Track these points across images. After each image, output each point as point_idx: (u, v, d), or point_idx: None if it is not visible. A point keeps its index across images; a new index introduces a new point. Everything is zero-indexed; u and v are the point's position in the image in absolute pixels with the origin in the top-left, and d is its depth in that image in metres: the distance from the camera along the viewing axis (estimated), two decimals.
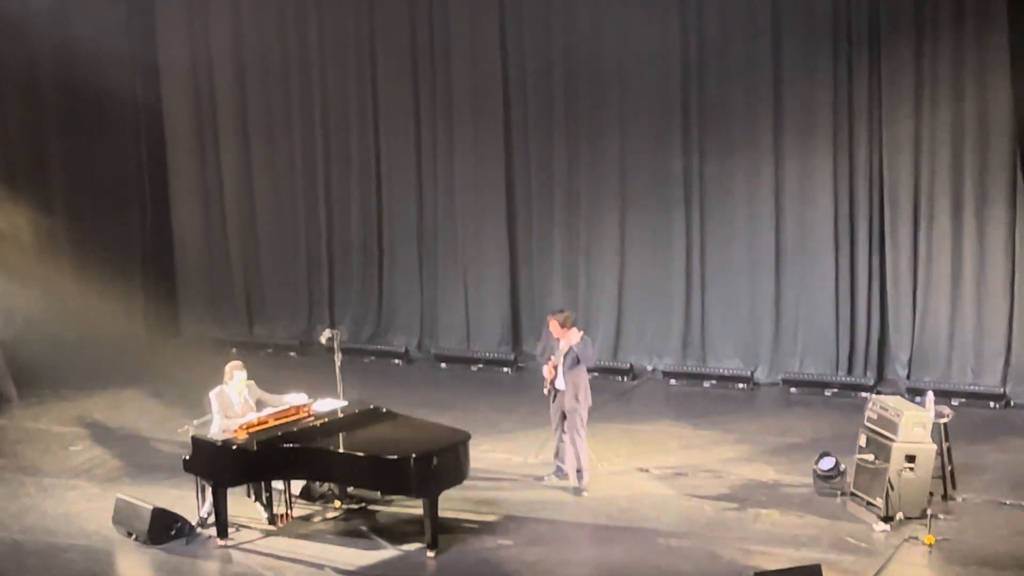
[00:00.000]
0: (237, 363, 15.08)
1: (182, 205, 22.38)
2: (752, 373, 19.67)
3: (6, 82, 20.33)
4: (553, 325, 15.63)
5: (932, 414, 14.91)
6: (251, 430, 14.34)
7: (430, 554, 13.93)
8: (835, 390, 19.19)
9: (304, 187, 21.74)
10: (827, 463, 15.43)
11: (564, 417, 15.61)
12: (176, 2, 21.79)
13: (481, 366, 20.79)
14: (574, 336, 15.42)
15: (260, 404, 14.95)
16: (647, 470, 16.29)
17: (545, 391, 15.77)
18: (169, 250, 22.43)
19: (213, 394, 14.82)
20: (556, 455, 15.94)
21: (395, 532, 14.59)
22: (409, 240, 21.39)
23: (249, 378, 14.98)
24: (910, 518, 14.49)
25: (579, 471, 15.61)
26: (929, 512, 14.36)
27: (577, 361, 15.44)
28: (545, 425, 17.60)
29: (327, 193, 21.68)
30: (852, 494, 15.12)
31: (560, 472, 15.84)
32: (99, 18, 20.46)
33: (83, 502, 15.57)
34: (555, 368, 15.53)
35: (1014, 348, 18.60)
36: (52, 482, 16.21)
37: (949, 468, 15.28)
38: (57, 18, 20.29)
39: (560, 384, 15.55)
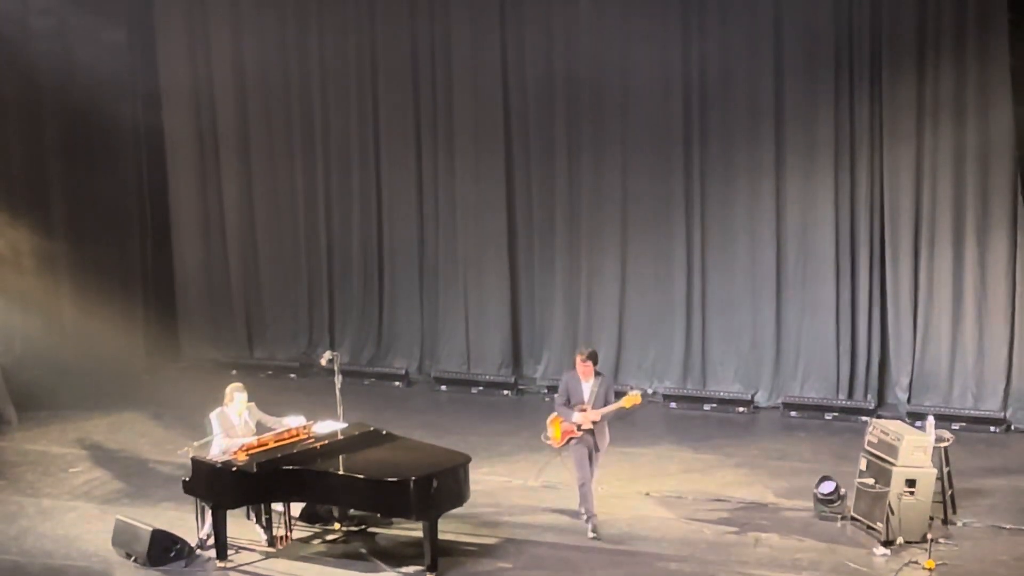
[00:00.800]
0: (237, 385, 15.08)
1: (183, 228, 22.36)
2: (752, 397, 19.65)
3: (7, 106, 20.34)
4: (585, 367, 14.93)
5: (933, 438, 14.90)
6: (251, 452, 14.33)
7: None
8: (835, 414, 19.16)
9: (305, 209, 21.73)
10: (827, 487, 15.39)
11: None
12: (177, 26, 21.80)
13: (481, 389, 20.76)
14: (596, 380, 14.95)
15: (260, 426, 14.95)
16: (647, 493, 16.27)
17: (556, 443, 15.13)
18: (170, 273, 22.41)
19: (214, 415, 14.84)
20: (584, 504, 15.09)
21: (395, 555, 14.55)
22: (410, 263, 21.38)
23: (249, 400, 14.99)
24: (910, 542, 14.46)
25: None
26: (929, 537, 14.33)
27: (606, 400, 14.93)
28: (545, 449, 17.57)
29: (328, 215, 21.67)
30: (852, 518, 15.09)
31: (594, 518, 15.14)
32: (100, 42, 20.48)
33: (82, 524, 15.53)
34: (586, 413, 14.81)
35: (1015, 372, 18.58)
36: (51, 504, 16.17)
37: (950, 492, 15.25)
38: (58, 42, 20.33)
39: (591, 423, 14.86)
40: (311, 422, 15.04)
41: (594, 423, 14.81)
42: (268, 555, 14.58)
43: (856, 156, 18.96)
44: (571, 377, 15.05)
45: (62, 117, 20.73)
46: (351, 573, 14.14)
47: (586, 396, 14.87)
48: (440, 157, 20.98)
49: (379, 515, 15.04)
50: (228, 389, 14.98)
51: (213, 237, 22.27)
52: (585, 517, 15.09)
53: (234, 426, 14.79)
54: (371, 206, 21.45)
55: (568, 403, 14.97)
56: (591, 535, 14.90)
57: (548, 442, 15.18)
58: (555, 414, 15.11)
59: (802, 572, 13.91)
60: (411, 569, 14.12)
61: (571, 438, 14.94)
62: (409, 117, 21.04)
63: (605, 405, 14.82)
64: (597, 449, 14.98)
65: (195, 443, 14.89)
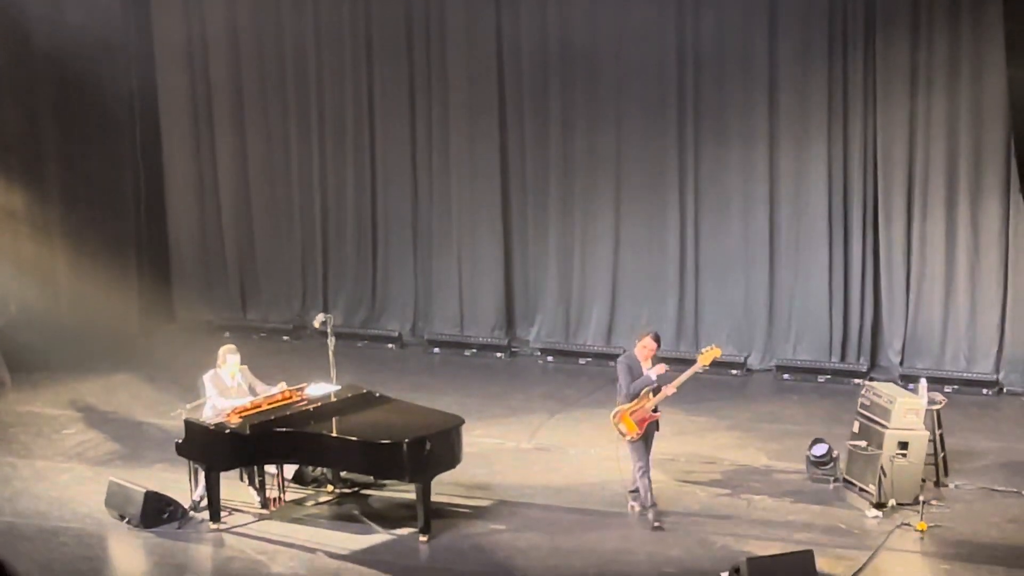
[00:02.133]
0: (230, 347, 15.04)
1: (177, 191, 22.26)
2: (745, 359, 19.63)
3: (0, 70, 20.21)
4: (648, 346, 14.36)
5: (925, 401, 14.89)
6: (244, 414, 14.29)
7: (422, 539, 13.89)
8: (828, 376, 19.15)
9: (299, 172, 21.63)
10: (820, 449, 15.38)
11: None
12: None
13: (475, 351, 20.72)
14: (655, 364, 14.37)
15: (252, 391, 14.91)
16: None
17: (636, 434, 14.24)
18: (164, 235, 22.31)
19: (207, 377, 14.81)
20: (642, 491, 14.34)
21: (388, 517, 14.54)
22: (404, 225, 21.31)
23: (242, 363, 14.94)
24: (902, 505, 14.46)
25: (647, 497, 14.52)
26: (921, 499, 14.32)
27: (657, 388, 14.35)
28: (538, 410, 17.61)
29: (322, 178, 21.57)
30: (845, 480, 15.08)
31: (654, 507, 14.39)
32: (94, 6, 20.32)
33: (76, 485, 15.50)
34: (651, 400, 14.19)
35: (1007, 335, 18.58)
36: (45, 465, 16.15)
37: (942, 455, 15.25)
38: (51, 6, 20.16)
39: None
40: (304, 384, 14.99)
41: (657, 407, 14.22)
42: (261, 517, 14.56)
43: (849, 121, 18.88)
44: (630, 360, 14.38)
45: (55, 80, 20.56)
46: (344, 535, 14.12)
47: (654, 377, 14.28)
48: (435, 120, 20.87)
49: (372, 477, 15.02)
50: (221, 351, 14.97)
51: (207, 199, 22.18)
52: (638, 507, 14.44)
53: (228, 388, 14.80)
54: (365, 169, 21.36)
55: (635, 391, 14.19)
56: (655, 525, 14.14)
57: (625, 438, 14.20)
58: (619, 408, 14.19)
59: (795, 534, 13.90)
60: (404, 531, 14.12)
61: (649, 423, 14.19)
62: (404, 81, 20.92)
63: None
64: (657, 428, 14.45)
65: (188, 405, 14.88)
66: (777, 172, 19.35)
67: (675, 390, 14.38)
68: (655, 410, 14.24)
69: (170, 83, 21.91)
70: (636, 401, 14.20)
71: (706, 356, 14.49)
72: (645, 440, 14.26)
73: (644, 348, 14.36)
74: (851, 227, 19.13)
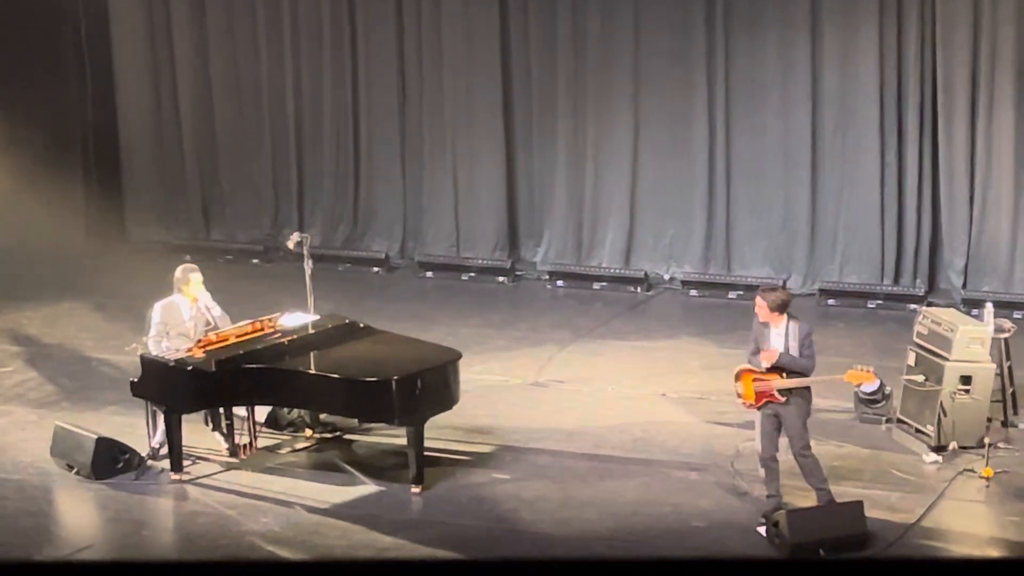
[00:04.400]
0: (191, 266, 14.93)
1: (128, 86, 22.20)
2: (784, 282, 19.58)
3: None
4: (760, 307, 13.25)
5: (991, 328, 14.88)
6: (209, 348, 14.27)
7: (415, 490, 13.92)
8: (879, 301, 19.18)
9: (268, 65, 21.56)
10: (870, 386, 15.38)
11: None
12: None
13: (473, 275, 20.77)
14: (791, 326, 13.22)
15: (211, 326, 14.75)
16: (664, 394, 16.30)
17: (748, 404, 13.39)
18: (113, 139, 22.27)
19: (159, 305, 14.66)
20: (766, 481, 13.39)
21: (375, 465, 14.58)
22: (390, 129, 21.27)
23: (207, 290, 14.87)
24: (965, 448, 14.48)
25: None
26: (987, 441, 14.32)
27: (800, 354, 13.23)
28: (546, 342, 17.58)
29: (295, 73, 21.50)
30: (899, 420, 15.11)
31: (776, 498, 13.37)
32: None
33: (16, 431, 15.53)
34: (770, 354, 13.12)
35: None
36: None
37: (1010, 390, 15.27)
38: None
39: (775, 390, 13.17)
40: (278, 314, 14.98)
41: (786, 393, 13.11)
42: (230, 466, 14.58)
43: (904, 6, 18.80)
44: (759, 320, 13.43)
45: None
46: (324, 486, 14.14)
47: (775, 344, 13.22)
48: (424, 3, 20.78)
49: (356, 420, 15.06)
50: (179, 271, 14.79)
51: (163, 96, 22.11)
52: (766, 494, 13.46)
53: (183, 322, 14.65)
54: (345, 63, 21.29)
55: (756, 353, 13.28)
56: (760, 522, 13.19)
57: (739, 401, 13.49)
58: (747, 365, 13.35)
59: (841, 482, 13.89)
60: (393, 483, 14.14)
61: (768, 401, 13.17)
62: None
63: (793, 373, 13.13)
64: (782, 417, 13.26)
65: (145, 338, 14.83)
66: (820, 66, 19.30)
67: (783, 385, 13.12)
68: (784, 397, 13.13)
69: None
70: (766, 372, 13.24)
71: (854, 376, 13.51)
72: (777, 431, 13.25)
73: (760, 309, 13.25)
74: (906, 128, 19.11)
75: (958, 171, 18.98)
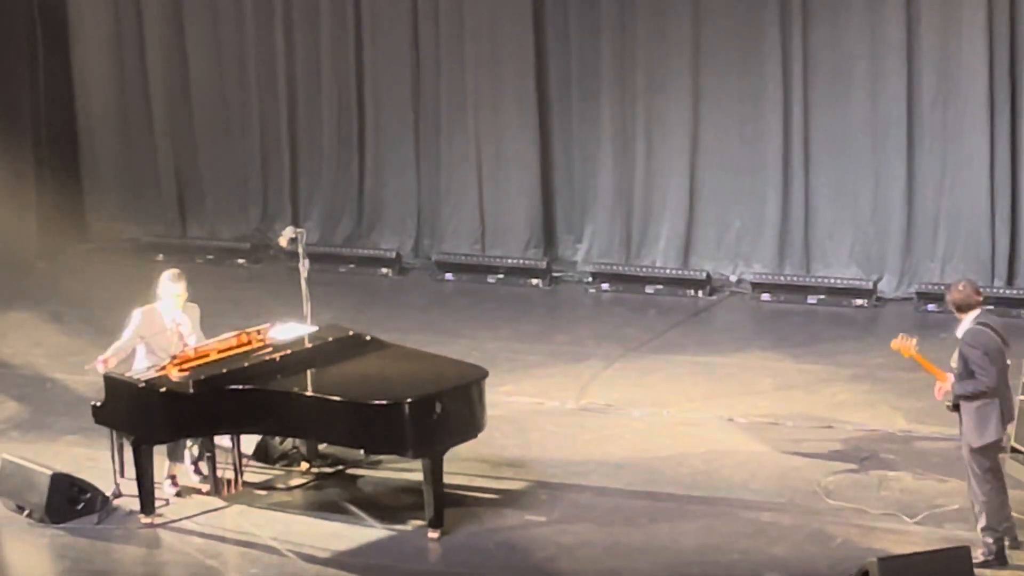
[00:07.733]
0: (174, 271, 14.94)
1: (86, 55, 22.33)
2: (875, 284, 19.67)
3: None
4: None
5: None
6: (186, 366, 14.31)
7: (433, 535, 13.96)
8: (990, 307, 19.08)
9: (256, 30, 21.66)
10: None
11: None
12: None
13: (501, 277, 20.84)
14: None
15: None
16: (730, 419, 16.33)
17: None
18: (70, 117, 22.38)
19: (139, 311, 14.70)
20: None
21: (385, 505, 14.64)
22: (402, 104, 21.35)
23: (191, 300, 14.91)
24: None
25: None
26: None
27: (969, 371, 13.34)
28: (589, 357, 17.61)
29: (287, 40, 21.61)
30: (1013, 450, 15.06)
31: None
32: None
33: None
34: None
35: None
36: None
37: None
38: None
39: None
40: (268, 324, 15.03)
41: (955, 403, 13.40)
42: (211, 507, 14.63)
43: None
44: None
45: None
46: (324, 530, 14.20)
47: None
48: None
49: (362, 451, 15.10)
50: (163, 276, 14.79)
51: (129, 68, 22.24)
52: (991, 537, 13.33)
53: (165, 330, 14.73)
54: (347, 26, 21.39)
55: None
56: (982, 556, 13.16)
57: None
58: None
59: (944, 524, 13.91)
60: (407, 525, 14.20)
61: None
62: None
63: (964, 381, 13.32)
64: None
65: (110, 352, 14.88)
66: (917, 29, 19.33)
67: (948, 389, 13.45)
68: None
69: None
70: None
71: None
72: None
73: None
74: (1019, 104, 19.13)
75: None
